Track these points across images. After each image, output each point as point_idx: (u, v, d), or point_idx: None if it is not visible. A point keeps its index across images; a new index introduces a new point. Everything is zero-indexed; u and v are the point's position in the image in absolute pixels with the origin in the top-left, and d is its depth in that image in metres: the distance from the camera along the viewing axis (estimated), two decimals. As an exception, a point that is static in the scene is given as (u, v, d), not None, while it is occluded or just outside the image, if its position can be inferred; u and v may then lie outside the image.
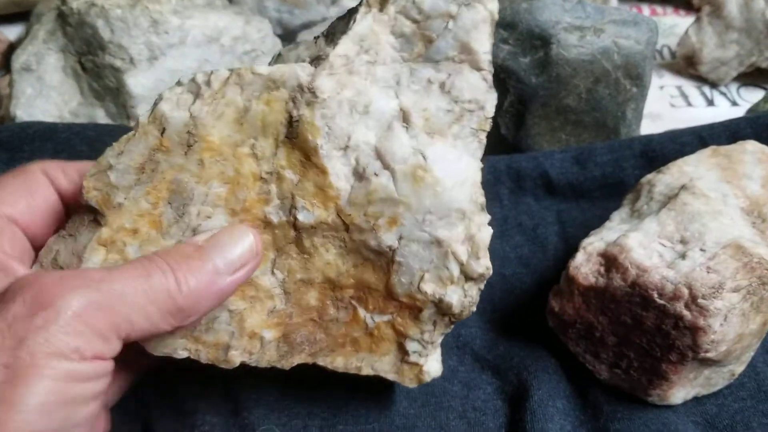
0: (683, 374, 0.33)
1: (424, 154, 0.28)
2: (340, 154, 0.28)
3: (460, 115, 0.29)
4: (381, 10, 0.29)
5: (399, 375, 0.31)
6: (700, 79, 0.64)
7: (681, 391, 0.34)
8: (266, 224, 0.28)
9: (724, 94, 0.63)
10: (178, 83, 0.28)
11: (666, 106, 0.61)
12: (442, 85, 0.29)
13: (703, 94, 0.63)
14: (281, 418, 0.33)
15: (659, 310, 0.32)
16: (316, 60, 0.28)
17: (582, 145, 0.48)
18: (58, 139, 0.42)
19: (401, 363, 0.31)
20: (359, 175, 0.28)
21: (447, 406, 0.35)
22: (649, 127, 0.55)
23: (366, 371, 0.31)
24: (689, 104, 0.62)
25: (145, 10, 0.44)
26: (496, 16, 0.29)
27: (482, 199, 0.29)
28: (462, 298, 0.29)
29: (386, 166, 0.28)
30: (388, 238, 0.28)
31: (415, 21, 0.28)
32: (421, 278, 0.29)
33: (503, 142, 0.49)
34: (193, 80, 0.27)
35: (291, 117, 0.27)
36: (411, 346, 0.31)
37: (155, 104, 0.27)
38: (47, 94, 0.45)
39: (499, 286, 0.41)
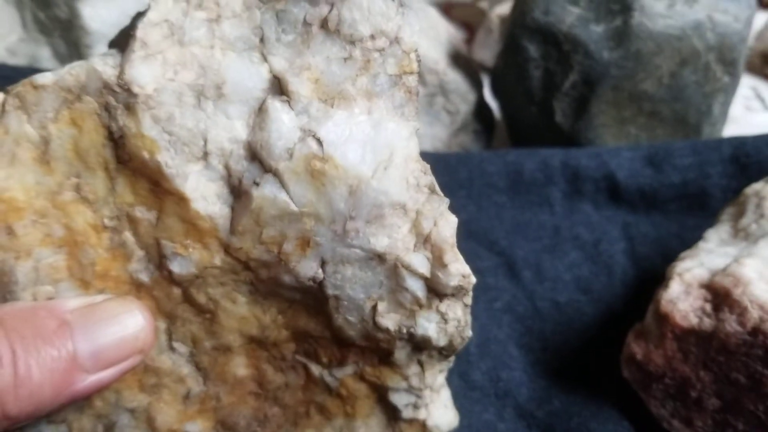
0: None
1: (317, 136, 0.23)
2: (198, 168, 0.23)
3: (366, 61, 0.23)
4: None
5: None
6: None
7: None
8: (138, 287, 0.24)
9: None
10: None
11: (740, 109, 0.58)
12: (324, 24, 0.23)
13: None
14: None
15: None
16: (123, 40, 0.23)
17: (656, 143, 0.44)
18: None
19: (395, 423, 0.27)
20: (234, 189, 0.23)
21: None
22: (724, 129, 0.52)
23: None
24: (766, 108, 0.59)
25: None
26: None
27: (427, 178, 0.24)
28: (442, 324, 0.25)
29: (267, 168, 0.22)
30: (307, 268, 0.23)
31: None
32: (374, 310, 0.24)
33: (557, 132, 0.45)
34: None
35: (111, 133, 0.22)
36: (397, 398, 0.27)
37: None
38: None
39: (552, 316, 0.38)
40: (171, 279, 0.24)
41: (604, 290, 0.39)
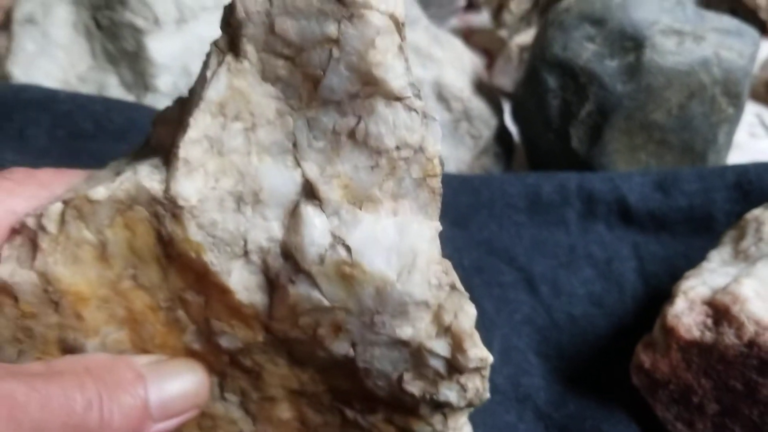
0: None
1: (346, 243, 0.23)
2: (240, 264, 0.23)
3: (391, 168, 0.23)
4: (237, 55, 0.22)
5: None
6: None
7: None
8: (192, 353, 0.25)
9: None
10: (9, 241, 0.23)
11: (745, 135, 0.58)
12: (352, 134, 0.22)
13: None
14: None
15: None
16: (167, 155, 0.23)
17: (665, 168, 0.45)
18: (57, 111, 0.38)
19: None
20: (272, 282, 0.23)
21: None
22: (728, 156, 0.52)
23: None
24: None
25: None
26: (401, 17, 0.22)
27: (449, 278, 0.24)
28: (462, 393, 0.25)
29: (301, 269, 0.23)
30: (339, 347, 0.24)
31: (287, 58, 0.22)
32: (401, 379, 0.24)
33: (573, 157, 0.46)
34: (22, 230, 0.23)
35: (161, 235, 0.23)
36: None
37: None
38: (52, 52, 0.41)
39: (568, 328, 0.38)
40: (220, 349, 0.24)
41: (615, 305, 0.39)
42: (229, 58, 0.22)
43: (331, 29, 0.21)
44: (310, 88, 0.22)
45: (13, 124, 0.37)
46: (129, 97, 0.41)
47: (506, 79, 0.60)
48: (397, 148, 0.23)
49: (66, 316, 0.23)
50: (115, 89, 0.41)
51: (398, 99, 0.22)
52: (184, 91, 0.40)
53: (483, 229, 0.42)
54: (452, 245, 0.39)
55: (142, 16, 0.39)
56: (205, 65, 0.23)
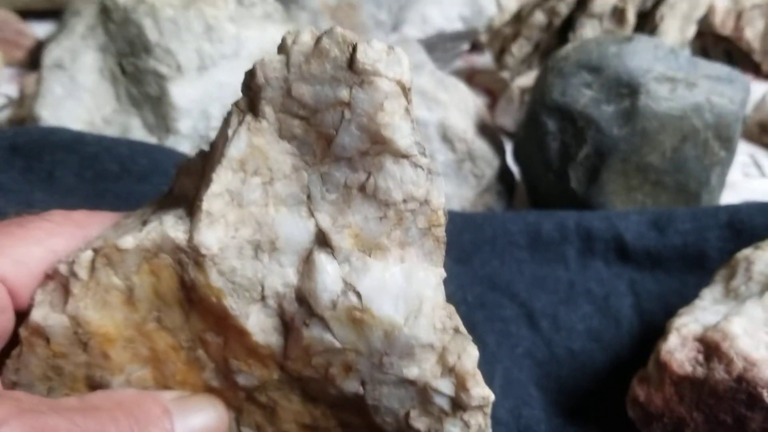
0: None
1: (357, 290, 0.24)
2: (258, 308, 0.24)
3: (399, 218, 0.24)
4: (256, 115, 0.24)
5: None
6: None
7: None
8: (211, 390, 0.26)
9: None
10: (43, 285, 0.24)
11: (739, 175, 0.59)
12: (362, 188, 0.24)
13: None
14: None
15: (769, 412, 0.29)
16: (191, 206, 0.24)
17: (660, 208, 0.46)
18: (84, 153, 0.39)
19: None
20: (287, 324, 0.24)
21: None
22: (722, 195, 0.52)
23: None
24: (763, 175, 0.60)
25: (200, 13, 0.41)
26: (408, 83, 0.23)
27: (452, 322, 0.25)
28: (465, 428, 0.25)
29: (314, 314, 0.24)
30: (349, 386, 0.25)
31: (302, 118, 0.24)
32: (407, 416, 0.25)
33: (572, 196, 0.47)
34: (54, 276, 0.24)
35: (184, 281, 0.24)
36: None
37: (29, 313, 0.24)
38: (79, 95, 0.42)
39: (568, 362, 0.39)
40: (237, 386, 0.25)
41: (612, 340, 0.40)
42: (249, 117, 0.24)
43: (344, 94, 0.23)
44: (323, 145, 0.23)
45: (42, 165, 0.38)
46: (151, 139, 0.42)
47: (508, 119, 0.61)
48: (404, 200, 0.24)
49: (94, 356, 0.24)
50: (138, 131, 0.42)
51: (405, 156, 0.23)
52: (203, 133, 0.42)
53: (485, 265, 0.43)
54: (456, 281, 0.40)
55: (166, 63, 0.41)
56: (227, 123, 0.24)
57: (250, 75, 0.24)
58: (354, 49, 0.23)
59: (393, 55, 0.23)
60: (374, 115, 0.23)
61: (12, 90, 0.64)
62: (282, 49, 0.24)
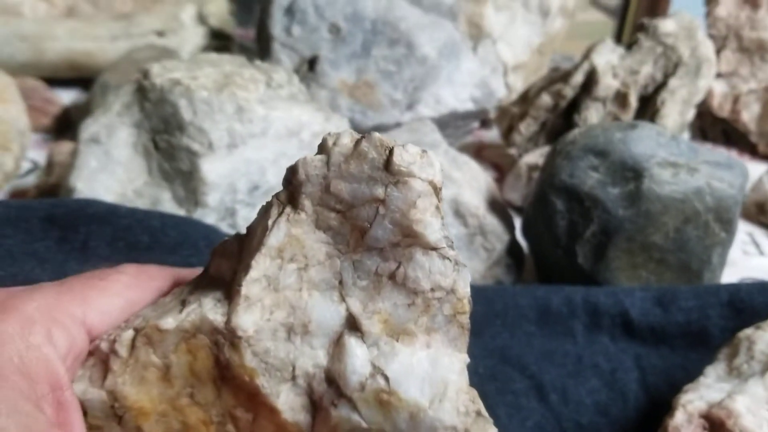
0: None
1: (385, 373, 0.25)
2: (288, 387, 0.25)
3: (426, 306, 0.25)
4: (295, 208, 0.25)
5: None
6: (773, 229, 0.63)
7: None
8: None
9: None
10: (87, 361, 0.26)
11: (738, 253, 0.60)
12: (392, 276, 0.25)
13: (777, 243, 0.62)
14: None
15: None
16: (228, 289, 0.26)
17: (664, 285, 0.47)
18: (118, 225, 0.40)
19: None
20: (316, 403, 0.25)
21: None
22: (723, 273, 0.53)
23: None
24: (761, 253, 0.61)
25: (233, 96, 0.43)
26: (439, 183, 0.25)
27: (475, 405, 0.25)
28: None
29: (342, 395, 0.25)
30: None
31: (339, 212, 0.25)
32: None
33: (579, 272, 0.48)
34: (95, 352, 0.25)
35: (219, 360, 0.25)
36: None
37: None
38: (113, 169, 0.43)
39: None
40: None
41: (619, 414, 0.39)
42: (288, 209, 0.25)
43: (379, 191, 0.24)
44: (357, 236, 0.25)
45: (78, 236, 0.40)
46: (180, 211, 0.43)
47: (516, 194, 0.63)
48: (432, 290, 0.25)
49: (128, 429, 0.25)
50: (167, 203, 0.44)
51: (434, 249, 0.25)
52: (229, 206, 0.44)
53: (496, 338, 0.43)
54: (469, 353, 0.41)
55: (198, 141, 0.43)
56: (266, 213, 0.26)
57: (292, 171, 0.25)
58: (390, 152, 0.24)
59: (426, 158, 0.25)
60: (407, 211, 0.24)
61: (38, 155, 0.66)
62: (322, 149, 0.25)
